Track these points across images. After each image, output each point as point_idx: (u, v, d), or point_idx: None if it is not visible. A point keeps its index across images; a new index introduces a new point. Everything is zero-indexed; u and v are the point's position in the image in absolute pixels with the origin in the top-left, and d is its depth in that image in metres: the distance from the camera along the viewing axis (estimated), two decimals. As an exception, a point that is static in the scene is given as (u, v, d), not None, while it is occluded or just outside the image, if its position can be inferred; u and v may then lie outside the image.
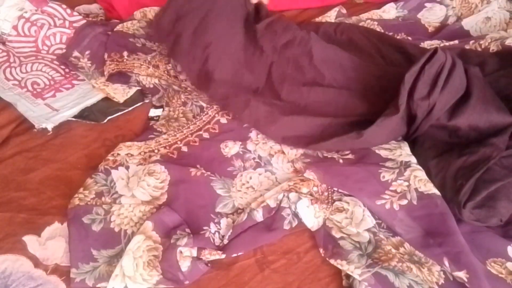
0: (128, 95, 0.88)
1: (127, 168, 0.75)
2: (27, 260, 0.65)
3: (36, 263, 0.65)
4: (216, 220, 0.68)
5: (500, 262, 0.63)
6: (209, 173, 0.74)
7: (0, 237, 0.67)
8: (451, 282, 0.62)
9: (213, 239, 0.66)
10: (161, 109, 0.86)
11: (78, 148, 0.79)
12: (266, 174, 0.75)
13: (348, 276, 0.63)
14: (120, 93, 0.88)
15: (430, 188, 0.68)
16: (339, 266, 0.63)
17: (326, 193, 0.71)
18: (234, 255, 0.65)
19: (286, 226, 0.68)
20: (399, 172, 0.71)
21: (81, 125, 0.84)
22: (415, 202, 0.67)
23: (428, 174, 0.71)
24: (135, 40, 0.96)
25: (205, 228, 0.67)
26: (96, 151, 0.76)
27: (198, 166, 0.75)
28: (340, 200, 0.70)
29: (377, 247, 0.65)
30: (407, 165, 0.72)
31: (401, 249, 0.65)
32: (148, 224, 0.66)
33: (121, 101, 0.88)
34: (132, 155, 0.77)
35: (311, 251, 0.66)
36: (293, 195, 0.69)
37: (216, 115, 0.83)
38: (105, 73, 0.90)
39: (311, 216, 0.68)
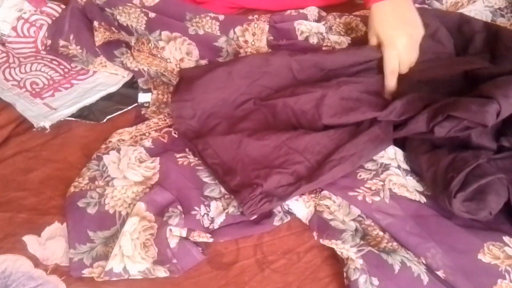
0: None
1: (118, 151, 0.75)
2: (27, 260, 0.65)
3: (36, 263, 0.65)
4: (206, 203, 0.69)
5: (499, 245, 0.64)
6: (196, 161, 0.74)
7: (0, 237, 0.67)
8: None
9: (202, 222, 0.67)
10: (150, 94, 0.87)
11: (78, 148, 0.79)
12: None
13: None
14: (121, 69, 0.91)
15: (403, 192, 0.69)
16: (333, 246, 0.64)
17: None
18: (222, 240, 0.67)
19: (277, 223, 0.68)
20: (375, 173, 0.71)
21: (81, 125, 0.84)
22: (387, 201, 0.68)
23: (420, 168, 0.71)
24: (107, 12, 0.93)
25: (196, 208, 0.68)
26: (96, 150, 0.76)
27: (187, 150, 0.76)
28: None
29: (365, 234, 0.66)
30: (386, 167, 0.72)
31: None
32: (141, 205, 0.67)
33: (125, 75, 0.90)
34: (123, 140, 0.77)
35: (311, 251, 0.66)
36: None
37: None
38: (97, 39, 0.89)
39: (302, 207, 0.69)
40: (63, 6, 0.99)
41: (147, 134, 0.79)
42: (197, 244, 0.66)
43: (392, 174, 0.71)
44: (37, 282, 0.63)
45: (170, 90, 0.87)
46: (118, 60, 0.91)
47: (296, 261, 0.66)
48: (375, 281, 0.60)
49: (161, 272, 0.63)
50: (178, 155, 0.75)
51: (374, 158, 0.73)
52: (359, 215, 0.68)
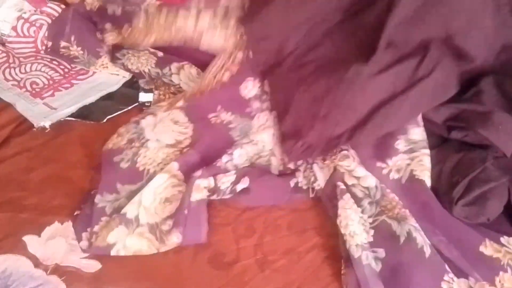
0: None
1: (155, 115, 0.79)
2: (28, 260, 0.65)
3: (36, 263, 0.65)
4: (229, 151, 0.73)
5: (497, 245, 0.64)
6: (228, 118, 0.79)
7: (0, 237, 0.67)
8: None
9: (225, 168, 0.72)
10: (152, 94, 0.88)
11: (79, 148, 0.79)
12: None
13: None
14: (122, 70, 0.92)
15: (424, 176, 0.70)
16: (348, 225, 0.65)
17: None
18: (245, 202, 0.71)
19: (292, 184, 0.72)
20: (410, 149, 0.72)
21: (81, 125, 0.84)
22: (403, 181, 0.70)
23: None
24: (114, 7, 0.94)
25: (217, 160, 0.73)
26: (97, 151, 0.76)
27: (219, 107, 0.80)
28: (347, 150, 0.73)
29: (383, 194, 0.68)
30: (422, 146, 0.72)
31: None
32: (174, 165, 0.72)
33: (126, 75, 0.91)
34: (160, 106, 0.82)
35: (311, 251, 0.67)
36: None
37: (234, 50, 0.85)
38: (111, 38, 0.92)
39: (323, 167, 0.73)
40: (63, 6, 0.99)
41: (179, 98, 0.82)
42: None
43: (425, 154, 0.71)
44: (37, 282, 0.63)
45: (172, 91, 0.88)
46: (119, 62, 0.91)
47: (296, 261, 0.66)
48: (382, 253, 0.63)
49: (166, 226, 0.67)
50: (211, 115, 0.79)
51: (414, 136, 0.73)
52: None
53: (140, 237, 0.66)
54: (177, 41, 0.90)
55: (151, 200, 0.69)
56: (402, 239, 0.63)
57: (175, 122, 0.79)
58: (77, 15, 0.95)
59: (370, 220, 0.66)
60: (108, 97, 0.89)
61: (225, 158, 0.74)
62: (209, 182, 0.70)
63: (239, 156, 0.74)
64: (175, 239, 0.66)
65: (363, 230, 0.65)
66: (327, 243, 0.67)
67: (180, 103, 0.81)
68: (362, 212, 0.67)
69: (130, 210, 0.67)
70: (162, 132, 0.77)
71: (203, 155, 0.74)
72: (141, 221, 0.67)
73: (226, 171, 0.72)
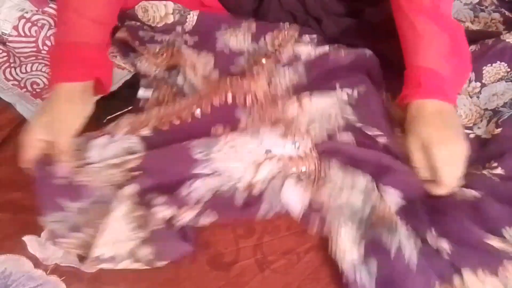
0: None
1: (113, 136, 0.74)
2: (27, 260, 0.65)
3: (36, 263, 0.65)
4: (189, 183, 0.68)
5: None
6: (192, 143, 0.71)
7: (0, 237, 0.67)
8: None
9: (188, 200, 0.67)
10: (151, 90, 0.86)
11: (78, 148, 0.79)
12: (253, 135, 0.72)
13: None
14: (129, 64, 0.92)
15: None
16: (337, 239, 0.64)
17: (312, 176, 0.71)
18: (207, 221, 0.67)
19: (263, 211, 0.68)
20: None
21: (81, 125, 0.83)
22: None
23: None
24: (144, 33, 0.93)
25: (180, 189, 0.67)
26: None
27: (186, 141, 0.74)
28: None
29: (374, 206, 0.67)
30: None
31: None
32: (132, 187, 0.66)
33: (132, 70, 0.90)
34: (120, 126, 0.76)
35: (311, 252, 0.66)
36: (276, 181, 0.69)
37: (210, 94, 0.80)
38: (117, 34, 0.90)
39: (298, 198, 0.68)
40: (64, 6, 0.99)
41: (146, 123, 0.76)
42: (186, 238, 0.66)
43: None
44: (37, 282, 0.63)
45: (173, 91, 0.86)
46: (130, 60, 0.90)
47: (296, 261, 0.66)
48: (373, 267, 0.61)
49: (145, 252, 0.63)
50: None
51: None
52: (366, 186, 0.68)
53: (127, 266, 0.64)
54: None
55: (123, 231, 0.64)
56: (392, 252, 0.61)
57: (130, 152, 0.72)
58: None
59: (360, 232, 0.64)
60: (109, 97, 0.88)
61: (184, 190, 0.68)
62: (173, 211, 0.65)
63: (198, 188, 0.68)
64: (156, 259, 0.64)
65: (354, 243, 0.63)
66: (326, 244, 0.66)
67: (145, 132, 0.74)
68: (351, 229, 0.64)
69: (106, 252, 0.63)
70: (109, 152, 0.71)
71: (159, 179, 0.68)
72: (118, 257, 0.63)
73: (188, 203, 0.67)
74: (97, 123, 0.83)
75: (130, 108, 0.86)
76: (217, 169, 0.69)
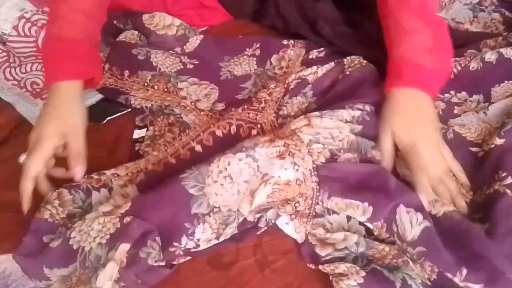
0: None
1: (110, 190, 0.70)
2: (27, 260, 0.65)
3: (36, 263, 0.65)
4: (189, 231, 0.63)
5: None
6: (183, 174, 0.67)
7: (0, 237, 0.67)
8: (444, 278, 0.61)
9: (184, 250, 0.64)
10: (145, 129, 0.83)
11: (78, 148, 0.78)
12: (247, 160, 0.67)
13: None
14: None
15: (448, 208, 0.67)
16: (335, 270, 0.62)
17: (310, 201, 0.68)
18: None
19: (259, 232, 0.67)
20: None
21: (81, 125, 0.83)
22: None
23: None
24: (138, 50, 0.90)
25: (175, 244, 0.63)
26: (96, 152, 0.75)
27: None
28: (322, 216, 0.68)
29: (369, 247, 0.64)
30: None
31: (394, 247, 0.64)
32: (124, 247, 0.61)
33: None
34: (118, 175, 0.72)
35: (311, 251, 0.66)
36: (271, 213, 0.66)
37: (212, 126, 0.78)
38: (100, 82, 0.87)
39: (292, 232, 0.67)
40: (64, 7, 0.98)
41: (144, 170, 0.73)
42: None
43: None
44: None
45: (170, 121, 0.82)
46: (123, 97, 0.87)
47: (296, 261, 0.66)
48: None
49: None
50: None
51: None
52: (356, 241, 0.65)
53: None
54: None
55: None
56: (398, 285, 0.59)
57: (124, 197, 0.69)
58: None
59: (358, 268, 0.61)
60: (108, 98, 0.88)
61: (184, 240, 0.63)
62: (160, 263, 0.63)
63: (202, 232, 0.64)
64: None
65: (353, 272, 0.60)
66: (326, 244, 0.66)
67: (139, 178, 0.72)
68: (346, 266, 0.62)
69: None
70: (105, 203, 0.67)
71: (156, 225, 0.63)
72: None
73: (184, 256, 0.64)
74: (97, 124, 0.83)
75: (129, 110, 0.87)
76: (215, 205, 0.65)
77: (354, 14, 0.96)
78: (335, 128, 0.72)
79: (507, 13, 0.98)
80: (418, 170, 0.68)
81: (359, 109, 0.75)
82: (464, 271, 0.60)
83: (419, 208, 0.65)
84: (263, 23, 1.01)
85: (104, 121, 0.84)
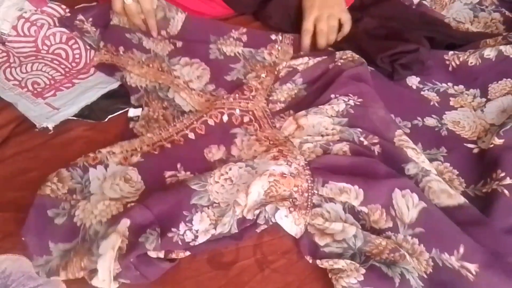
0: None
1: (106, 167, 0.73)
2: (27, 260, 0.64)
3: (36, 263, 0.65)
4: (187, 218, 0.65)
5: None
6: (187, 174, 0.73)
7: (0, 237, 0.67)
8: (440, 270, 0.62)
9: (182, 240, 0.64)
10: (140, 109, 0.85)
11: (79, 148, 0.79)
12: (247, 169, 0.71)
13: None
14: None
15: (444, 199, 0.68)
16: (334, 266, 0.62)
17: (306, 194, 0.69)
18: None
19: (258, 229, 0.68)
20: (415, 181, 0.70)
21: (81, 124, 0.83)
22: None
23: None
24: (131, 35, 0.94)
25: (173, 230, 0.64)
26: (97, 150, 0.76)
27: (178, 165, 0.75)
28: (320, 206, 0.69)
29: (367, 241, 0.65)
30: (426, 173, 0.70)
31: (391, 241, 0.65)
32: (125, 223, 0.63)
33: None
34: (113, 152, 0.75)
35: (311, 251, 0.66)
36: (270, 208, 0.67)
37: (204, 115, 0.81)
38: (96, 59, 0.92)
39: (292, 224, 0.67)
40: (63, 6, 0.99)
41: (138, 149, 0.76)
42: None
43: (432, 180, 0.70)
44: (37, 282, 0.63)
45: (164, 105, 0.86)
46: (118, 74, 0.90)
47: (296, 261, 0.66)
48: None
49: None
50: (168, 174, 0.74)
51: (417, 160, 0.72)
52: (354, 234, 0.66)
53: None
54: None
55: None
56: (397, 281, 0.59)
57: (127, 180, 0.72)
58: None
59: (358, 265, 0.61)
60: (109, 95, 0.88)
61: (182, 227, 0.64)
62: (158, 254, 0.64)
63: (200, 221, 0.65)
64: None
65: (353, 268, 0.61)
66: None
67: (136, 158, 0.74)
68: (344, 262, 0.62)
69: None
70: (109, 188, 0.70)
71: (157, 215, 0.65)
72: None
73: (182, 246, 0.64)
74: (98, 122, 0.84)
75: (130, 108, 0.87)
76: (215, 201, 0.68)
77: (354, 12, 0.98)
78: (322, 124, 0.77)
79: (507, 13, 0.99)
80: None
81: (344, 102, 0.79)
82: (462, 250, 0.61)
83: (413, 188, 0.67)
84: (263, 15, 1.03)
85: (106, 120, 0.84)
